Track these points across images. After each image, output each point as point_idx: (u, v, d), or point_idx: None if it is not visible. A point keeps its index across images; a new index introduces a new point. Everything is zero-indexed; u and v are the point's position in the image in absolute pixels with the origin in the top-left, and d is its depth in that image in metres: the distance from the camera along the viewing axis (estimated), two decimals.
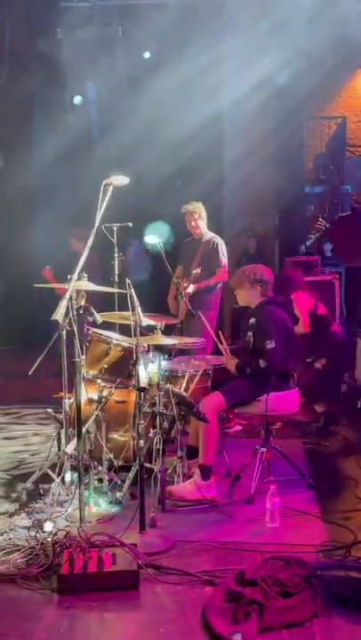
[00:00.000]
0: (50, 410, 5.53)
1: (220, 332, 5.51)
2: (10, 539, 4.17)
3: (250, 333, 5.10)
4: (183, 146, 10.11)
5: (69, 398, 4.95)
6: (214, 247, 7.02)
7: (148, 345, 4.96)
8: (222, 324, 10.00)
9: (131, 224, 6.58)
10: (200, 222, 7.03)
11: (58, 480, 4.82)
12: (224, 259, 7.01)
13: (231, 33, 10.42)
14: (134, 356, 4.34)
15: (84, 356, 4.80)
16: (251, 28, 10.17)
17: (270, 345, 4.88)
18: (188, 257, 7.01)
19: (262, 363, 4.88)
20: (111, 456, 4.97)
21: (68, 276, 4.52)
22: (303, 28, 10.13)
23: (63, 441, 5.02)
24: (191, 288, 6.67)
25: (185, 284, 6.60)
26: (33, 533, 4.17)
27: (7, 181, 11.10)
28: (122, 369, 5.09)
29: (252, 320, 5.08)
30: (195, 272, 6.74)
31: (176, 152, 10.12)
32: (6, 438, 6.49)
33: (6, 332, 10.70)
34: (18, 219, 10.81)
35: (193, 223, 7.02)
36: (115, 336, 5.29)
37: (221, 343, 5.34)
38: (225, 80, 10.63)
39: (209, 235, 7.11)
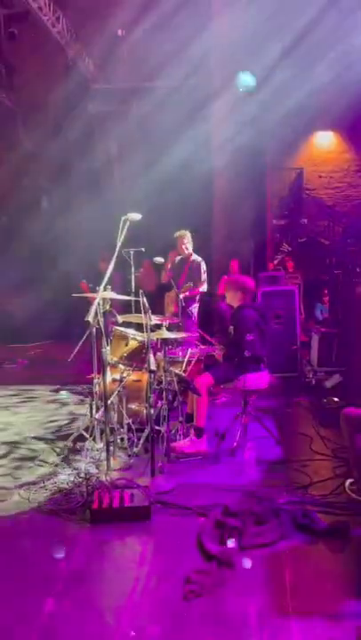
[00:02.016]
0: (84, 387, 5.53)
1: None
2: (55, 483, 4.16)
3: (231, 328, 5.11)
4: (181, 189, 10.12)
5: (98, 378, 4.95)
6: (197, 267, 6.88)
7: (157, 338, 4.94)
8: (212, 322, 10.00)
9: (143, 249, 6.54)
10: (188, 245, 6.93)
11: (90, 439, 4.82)
12: (204, 276, 6.87)
13: (218, 104, 10.44)
14: (146, 346, 4.34)
15: (109, 347, 4.79)
16: (233, 102, 10.19)
17: (250, 337, 4.88)
18: (178, 272, 6.89)
19: (247, 352, 4.88)
20: (130, 421, 4.96)
21: (97, 288, 4.53)
22: (271, 99, 10.13)
23: (94, 410, 5.03)
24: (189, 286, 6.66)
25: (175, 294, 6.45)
26: (72, 479, 4.18)
27: (49, 220, 11.11)
28: (137, 356, 5.09)
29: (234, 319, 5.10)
30: (187, 285, 6.67)
31: (177, 194, 10.11)
32: (52, 408, 6.48)
33: (53, 329, 10.71)
34: (60, 245, 10.82)
35: (183, 246, 6.90)
36: (132, 332, 5.28)
37: (212, 339, 5.35)
38: (214, 141, 10.63)
39: (194, 256, 6.97)
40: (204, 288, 6.92)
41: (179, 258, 6.99)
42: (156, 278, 9.95)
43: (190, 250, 6.96)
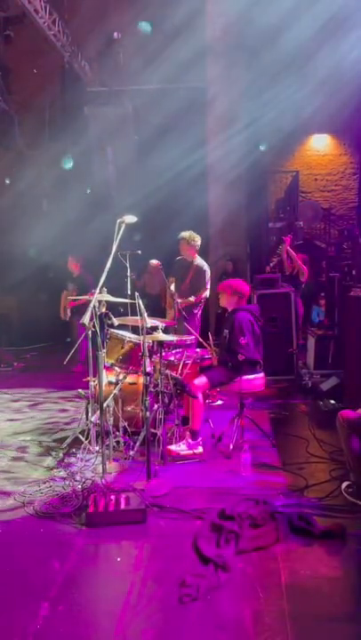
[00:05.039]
0: (80, 390, 5.51)
1: (209, 333, 5.50)
2: (50, 486, 4.15)
3: (226, 331, 5.11)
4: (177, 193, 10.12)
5: (94, 381, 4.94)
6: (202, 273, 6.63)
7: (153, 341, 4.93)
8: (208, 325, 9.99)
9: (140, 252, 6.46)
10: (191, 248, 6.75)
11: (86, 442, 4.81)
12: (207, 283, 6.66)
13: (213, 107, 10.45)
14: (142, 349, 4.33)
15: (104, 350, 4.78)
16: (228, 105, 10.21)
17: (244, 341, 4.88)
18: (181, 274, 6.58)
19: (240, 356, 4.87)
20: (126, 424, 4.95)
21: (93, 290, 4.51)
22: (267, 102, 10.17)
23: (90, 413, 5.01)
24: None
25: (178, 300, 6.18)
26: (68, 482, 4.17)
27: (49, 222, 11.08)
28: (133, 359, 5.08)
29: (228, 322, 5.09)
30: (188, 299, 6.42)
31: (173, 197, 10.12)
32: (49, 411, 6.47)
33: (50, 332, 10.71)
34: (56, 252, 10.76)
35: (185, 247, 6.55)
36: (127, 334, 5.27)
37: (208, 341, 5.34)
38: (209, 143, 10.63)
39: (199, 260, 6.71)
40: (206, 294, 6.73)
41: (178, 258, 6.69)
42: (162, 282, 9.94)
43: (195, 254, 6.77)
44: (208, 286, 6.65)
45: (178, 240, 6.63)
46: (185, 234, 6.58)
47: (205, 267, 6.68)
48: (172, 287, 6.36)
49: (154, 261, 6.17)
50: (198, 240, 6.57)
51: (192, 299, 6.46)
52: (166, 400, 4.92)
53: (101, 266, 4.55)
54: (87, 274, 8.51)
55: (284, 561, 3.14)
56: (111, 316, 4.68)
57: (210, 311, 10.51)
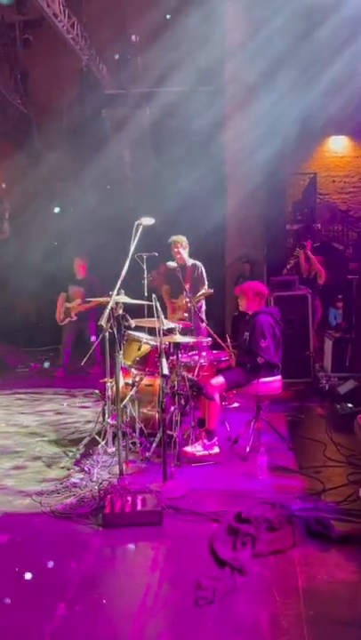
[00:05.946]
0: (97, 391, 5.52)
1: (226, 336, 5.50)
2: (67, 487, 4.16)
3: (247, 333, 5.09)
4: (196, 197, 10.11)
5: (111, 382, 4.96)
6: (200, 273, 6.65)
7: (169, 342, 4.92)
8: (225, 327, 9.98)
9: (157, 254, 6.44)
10: (182, 250, 6.66)
11: (103, 443, 4.82)
12: (206, 281, 6.68)
13: (231, 110, 10.44)
14: (159, 350, 4.33)
15: (122, 351, 4.79)
16: (247, 108, 10.18)
17: (264, 344, 4.87)
18: (178, 279, 6.22)
19: (260, 359, 4.85)
20: (142, 425, 4.95)
21: (110, 292, 4.52)
22: (285, 107, 10.11)
23: (107, 414, 5.02)
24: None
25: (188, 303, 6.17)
26: (84, 483, 4.18)
27: (62, 222, 11.14)
28: (149, 360, 5.08)
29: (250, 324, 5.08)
30: (204, 292, 6.53)
31: (190, 200, 10.09)
32: (67, 413, 6.49)
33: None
34: (68, 251, 10.79)
35: (177, 250, 6.62)
36: (144, 336, 5.27)
37: (226, 343, 5.33)
38: (227, 146, 10.61)
39: (191, 261, 6.71)
40: (205, 288, 6.73)
41: (172, 265, 6.33)
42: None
43: (185, 256, 6.67)
44: (206, 282, 6.67)
45: (170, 244, 6.61)
46: (179, 238, 6.64)
47: (199, 264, 6.72)
48: (166, 292, 6.62)
49: (172, 264, 6.16)
50: (185, 242, 6.69)
51: (209, 290, 6.59)
52: (183, 402, 4.92)
53: (118, 268, 4.57)
54: (93, 276, 8.46)
55: (301, 565, 3.12)
56: (128, 317, 4.69)
57: (226, 313, 10.51)
